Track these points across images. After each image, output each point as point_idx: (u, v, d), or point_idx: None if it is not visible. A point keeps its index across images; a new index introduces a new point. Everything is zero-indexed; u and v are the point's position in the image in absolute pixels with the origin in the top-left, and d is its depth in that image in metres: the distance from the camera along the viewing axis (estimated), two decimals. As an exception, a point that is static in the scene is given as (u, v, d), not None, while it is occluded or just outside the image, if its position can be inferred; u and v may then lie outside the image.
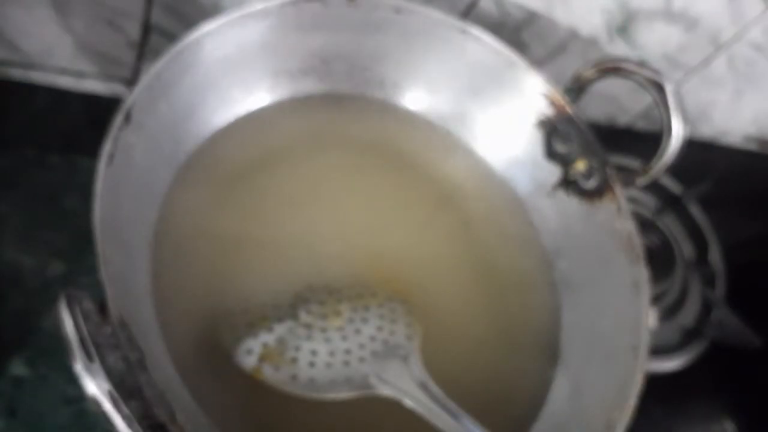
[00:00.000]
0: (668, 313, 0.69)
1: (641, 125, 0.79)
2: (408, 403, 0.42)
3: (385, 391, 0.43)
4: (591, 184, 0.53)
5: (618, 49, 0.68)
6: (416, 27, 0.54)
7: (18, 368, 0.50)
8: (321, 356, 0.45)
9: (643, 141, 0.61)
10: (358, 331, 0.47)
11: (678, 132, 0.49)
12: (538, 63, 0.57)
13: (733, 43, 0.70)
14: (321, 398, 0.43)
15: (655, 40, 0.68)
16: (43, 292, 0.53)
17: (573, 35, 0.66)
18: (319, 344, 0.45)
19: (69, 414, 0.50)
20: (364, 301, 0.49)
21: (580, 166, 0.54)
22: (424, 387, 0.43)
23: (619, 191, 0.51)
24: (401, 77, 0.57)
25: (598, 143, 0.53)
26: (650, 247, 0.66)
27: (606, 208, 0.52)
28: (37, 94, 0.59)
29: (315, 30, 0.53)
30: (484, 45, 0.54)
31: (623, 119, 0.78)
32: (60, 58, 0.59)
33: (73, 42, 0.59)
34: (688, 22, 0.67)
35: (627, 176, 0.52)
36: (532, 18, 0.63)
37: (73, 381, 0.50)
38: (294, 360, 0.44)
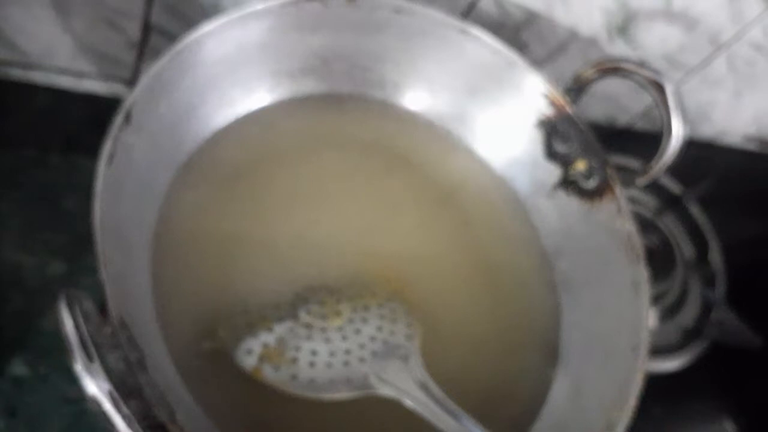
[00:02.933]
0: (668, 313, 0.69)
1: (641, 125, 0.79)
2: (408, 403, 0.42)
3: (385, 391, 0.43)
4: (591, 184, 0.53)
5: (618, 49, 0.68)
6: (416, 27, 0.54)
7: (18, 368, 0.50)
8: (321, 356, 0.45)
9: (643, 141, 0.61)
10: (358, 331, 0.47)
11: (678, 132, 0.49)
12: (538, 63, 0.57)
13: (733, 43, 0.70)
14: (321, 398, 0.43)
15: (655, 40, 0.68)
16: (43, 292, 0.53)
17: (573, 35, 0.66)
18: (319, 344, 0.45)
19: (69, 414, 0.50)
20: (364, 301, 0.49)
21: (580, 166, 0.54)
22: (424, 387, 0.43)
23: (619, 191, 0.52)
24: (401, 77, 0.57)
25: (598, 143, 0.53)
26: (650, 247, 0.66)
27: (606, 208, 0.52)
28: (37, 94, 0.59)
29: (315, 30, 0.53)
30: (484, 45, 0.54)
31: (623, 119, 0.78)
32: (60, 58, 0.59)
33: (73, 42, 0.59)
34: (688, 22, 0.67)
35: (627, 176, 0.52)
36: (532, 18, 0.63)
37: (73, 381, 0.50)
38: (294, 360, 0.44)
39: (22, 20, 0.56)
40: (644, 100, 0.73)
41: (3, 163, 0.57)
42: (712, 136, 0.84)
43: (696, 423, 0.68)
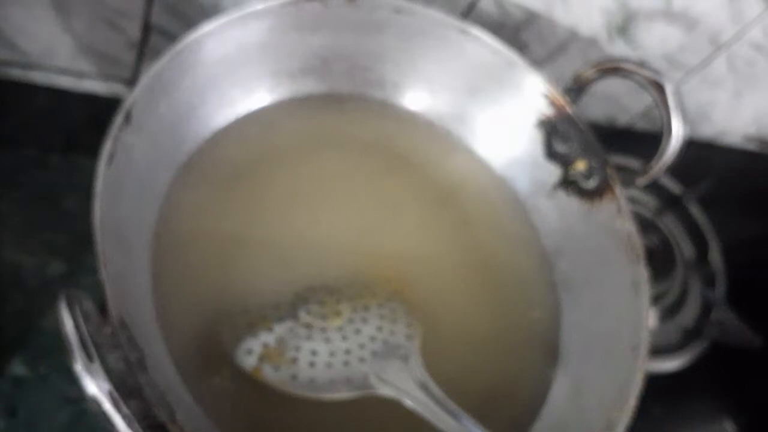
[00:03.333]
0: (668, 313, 0.69)
1: (641, 125, 0.79)
2: (408, 403, 0.42)
3: (385, 391, 0.43)
4: (591, 184, 0.53)
5: (618, 49, 0.68)
6: (416, 27, 0.54)
7: (18, 368, 0.50)
8: (321, 356, 0.45)
9: (643, 141, 0.61)
10: (358, 331, 0.47)
11: (678, 132, 0.49)
12: (538, 63, 0.57)
13: (733, 43, 0.70)
14: (321, 398, 0.43)
15: (655, 40, 0.68)
16: (43, 292, 0.53)
17: (573, 35, 0.66)
18: (319, 344, 0.46)
19: (69, 414, 0.50)
20: (364, 301, 0.49)
21: (580, 166, 0.54)
22: (424, 387, 0.43)
23: (619, 191, 0.52)
24: (401, 77, 0.57)
25: (598, 143, 0.54)
26: (650, 247, 0.66)
27: (606, 208, 0.53)
28: (38, 94, 0.59)
29: (315, 30, 0.53)
30: (484, 45, 0.54)
31: (623, 119, 0.78)
32: (60, 58, 0.59)
33: (73, 42, 0.59)
34: (688, 22, 0.67)
35: (627, 176, 0.52)
36: (532, 18, 0.63)
37: (74, 381, 0.50)
38: (294, 360, 0.45)
39: (22, 20, 0.57)
40: (644, 100, 0.73)
41: (3, 163, 0.57)
42: (712, 136, 0.84)
43: (696, 423, 0.68)
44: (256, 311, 0.47)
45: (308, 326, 0.46)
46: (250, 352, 0.45)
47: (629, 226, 0.51)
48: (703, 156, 0.81)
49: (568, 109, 0.54)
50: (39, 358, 0.51)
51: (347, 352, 0.46)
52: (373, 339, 0.46)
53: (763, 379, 0.70)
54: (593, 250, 0.54)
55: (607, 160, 0.53)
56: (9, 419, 0.49)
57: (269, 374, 0.44)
